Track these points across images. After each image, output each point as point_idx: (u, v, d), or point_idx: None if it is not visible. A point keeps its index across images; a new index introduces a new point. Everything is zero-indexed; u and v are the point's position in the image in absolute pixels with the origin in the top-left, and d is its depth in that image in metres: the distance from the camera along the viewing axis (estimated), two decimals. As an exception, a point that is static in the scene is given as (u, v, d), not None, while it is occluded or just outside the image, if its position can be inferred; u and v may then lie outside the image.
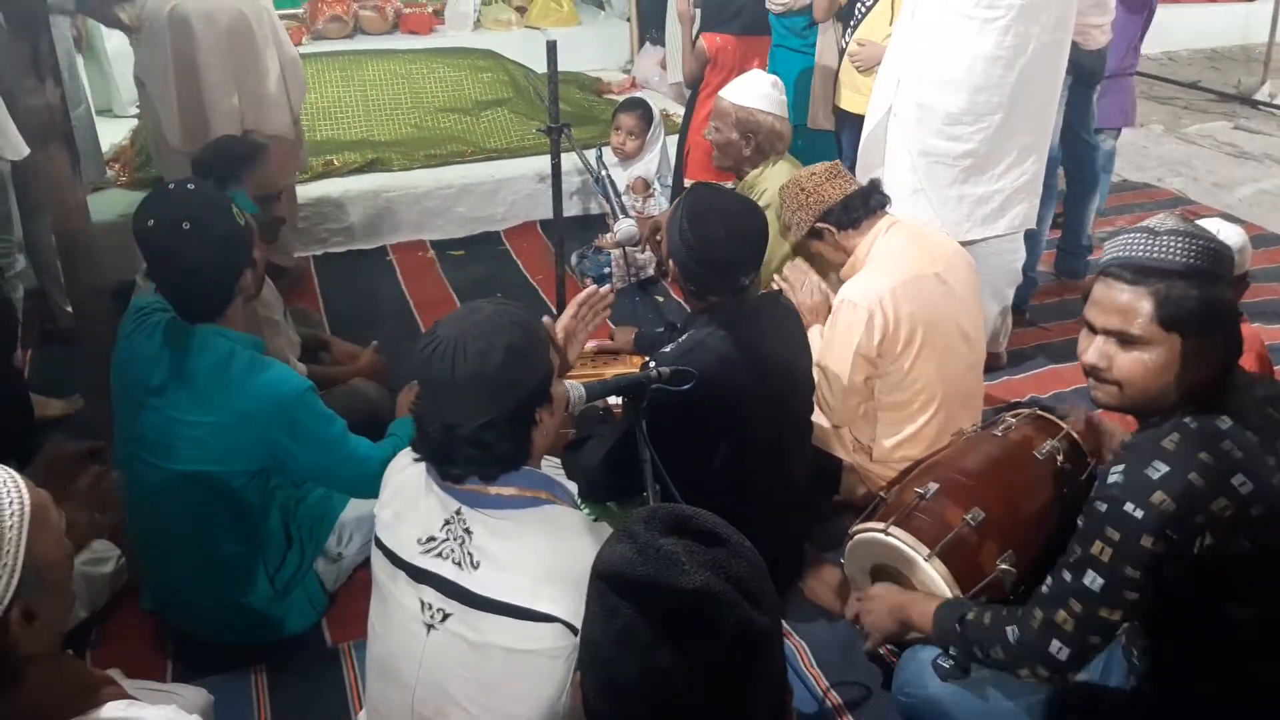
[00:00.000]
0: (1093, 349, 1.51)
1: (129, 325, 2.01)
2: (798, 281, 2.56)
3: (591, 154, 3.83)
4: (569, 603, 1.32)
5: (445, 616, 1.39)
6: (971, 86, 2.82)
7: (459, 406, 1.36)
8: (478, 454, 1.38)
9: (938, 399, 2.32)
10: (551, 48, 2.73)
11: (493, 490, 1.41)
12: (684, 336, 2.02)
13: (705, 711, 0.91)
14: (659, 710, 0.91)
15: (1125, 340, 1.46)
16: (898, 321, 2.23)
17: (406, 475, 1.50)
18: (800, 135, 3.52)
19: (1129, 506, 1.41)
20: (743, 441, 1.99)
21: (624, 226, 2.95)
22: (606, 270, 3.94)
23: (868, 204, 2.38)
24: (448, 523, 1.41)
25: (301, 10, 5.66)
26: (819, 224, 2.37)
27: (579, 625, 1.31)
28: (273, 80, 3.30)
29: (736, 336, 1.97)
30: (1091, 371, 1.52)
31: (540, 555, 1.37)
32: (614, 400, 1.85)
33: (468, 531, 1.39)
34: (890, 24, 3.23)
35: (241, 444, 1.94)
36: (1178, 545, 1.40)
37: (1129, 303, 1.45)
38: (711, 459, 1.96)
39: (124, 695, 1.13)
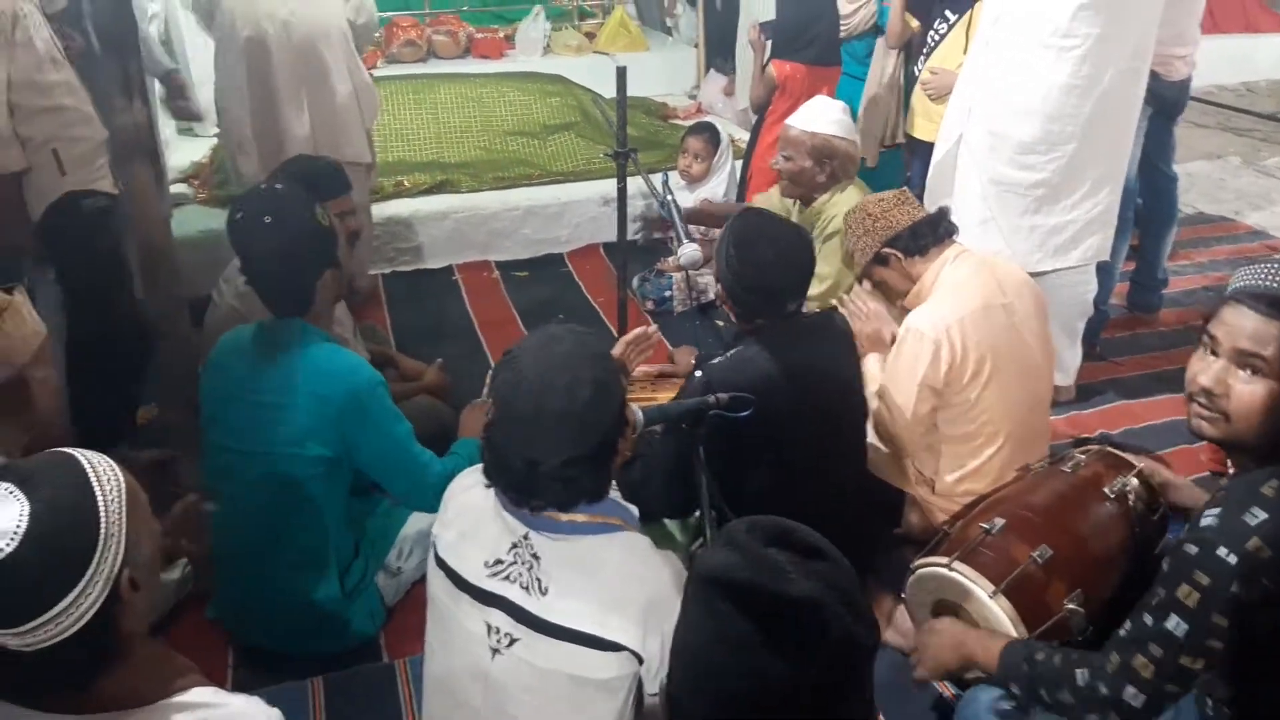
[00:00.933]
0: (1210, 372, 1.45)
1: (226, 337, 2.13)
2: (858, 309, 2.53)
3: (658, 178, 3.84)
4: (637, 630, 1.32)
5: (512, 641, 1.39)
6: (1046, 115, 2.77)
7: (545, 443, 1.35)
8: (561, 488, 1.37)
9: (1004, 433, 2.27)
10: (621, 73, 2.75)
11: (565, 517, 1.40)
12: (732, 352, 2.04)
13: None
14: (759, 717, 0.91)
15: (1251, 368, 1.41)
16: (965, 352, 2.19)
17: (471, 497, 1.50)
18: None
19: (1222, 551, 1.35)
20: (783, 462, 1.97)
21: (688, 250, 2.94)
22: (668, 294, 3.94)
23: (936, 231, 2.35)
24: (515, 546, 1.41)
25: (377, 34, 5.79)
26: (885, 249, 2.34)
27: (644, 653, 1.31)
28: (344, 104, 3.38)
29: (781, 357, 1.98)
30: (1202, 395, 1.46)
31: (611, 582, 1.36)
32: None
33: (535, 557, 1.39)
34: (964, 52, 3.20)
35: (317, 426, 2.01)
36: (1270, 594, 1.34)
37: (1262, 331, 1.39)
38: (752, 479, 1.95)
39: (207, 683, 1.16)
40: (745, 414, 1.68)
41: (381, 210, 4.29)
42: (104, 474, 1.10)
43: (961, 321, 2.19)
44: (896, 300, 2.52)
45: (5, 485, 1.02)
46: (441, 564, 1.47)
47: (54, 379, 1.73)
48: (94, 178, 2.41)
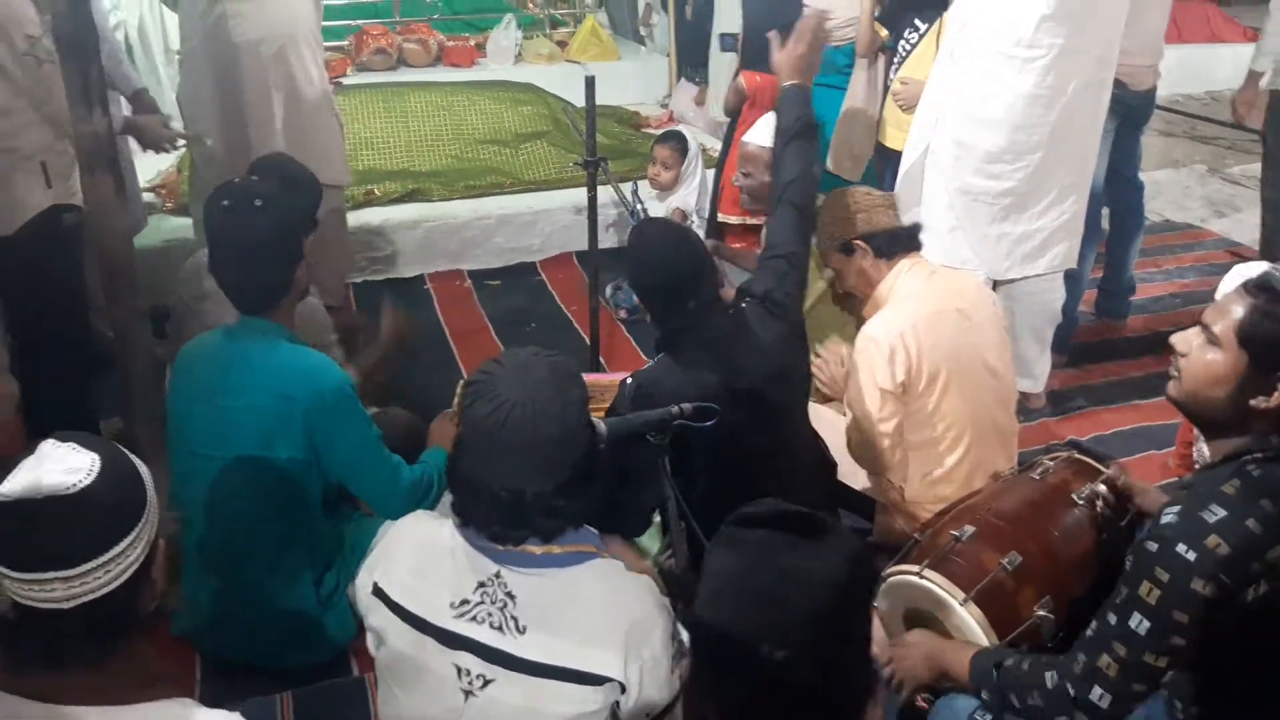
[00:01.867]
0: (1182, 333, 1.54)
1: (191, 342, 2.10)
2: (827, 356, 2.55)
3: (628, 187, 3.84)
4: (618, 659, 1.30)
5: (486, 682, 1.34)
6: (1011, 125, 2.80)
7: (533, 472, 1.31)
8: (549, 518, 1.34)
9: (967, 436, 2.28)
10: (590, 83, 2.75)
11: (540, 550, 1.36)
12: (656, 358, 2.09)
13: (827, 627, 1.02)
14: (784, 623, 1.01)
15: (1207, 335, 1.48)
16: (920, 356, 2.20)
17: (424, 532, 1.45)
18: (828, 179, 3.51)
19: (1181, 548, 1.37)
20: (725, 465, 1.95)
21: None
22: (637, 299, 3.93)
23: (908, 241, 2.36)
24: (483, 585, 1.36)
25: (346, 42, 5.76)
26: (857, 241, 2.34)
27: (626, 681, 1.30)
28: (320, 119, 3.30)
29: (702, 358, 2.00)
30: (1173, 355, 1.56)
31: (590, 613, 1.34)
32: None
33: (510, 595, 1.34)
34: (934, 61, 3.22)
35: (284, 428, 1.99)
36: (1230, 591, 1.36)
37: (1229, 304, 1.47)
38: (697, 485, 1.94)
39: (181, 694, 1.18)
40: (710, 423, 1.68)
41: (352, 219, 4.23)
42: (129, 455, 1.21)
43: (915, 326, 2.21)
44: (844, 297, 2.53)
45: (68, 444, 1.14)
46: (397, 608, 1.40)
47: (12, 390, 1.70)
48: (72, 191, 2.39)
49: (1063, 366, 3.54)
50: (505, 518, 1.34)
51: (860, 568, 1.09)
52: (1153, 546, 1.41)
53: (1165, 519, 1.42)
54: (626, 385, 2.02)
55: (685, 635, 1.39)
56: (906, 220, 2.43)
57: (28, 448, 1.14)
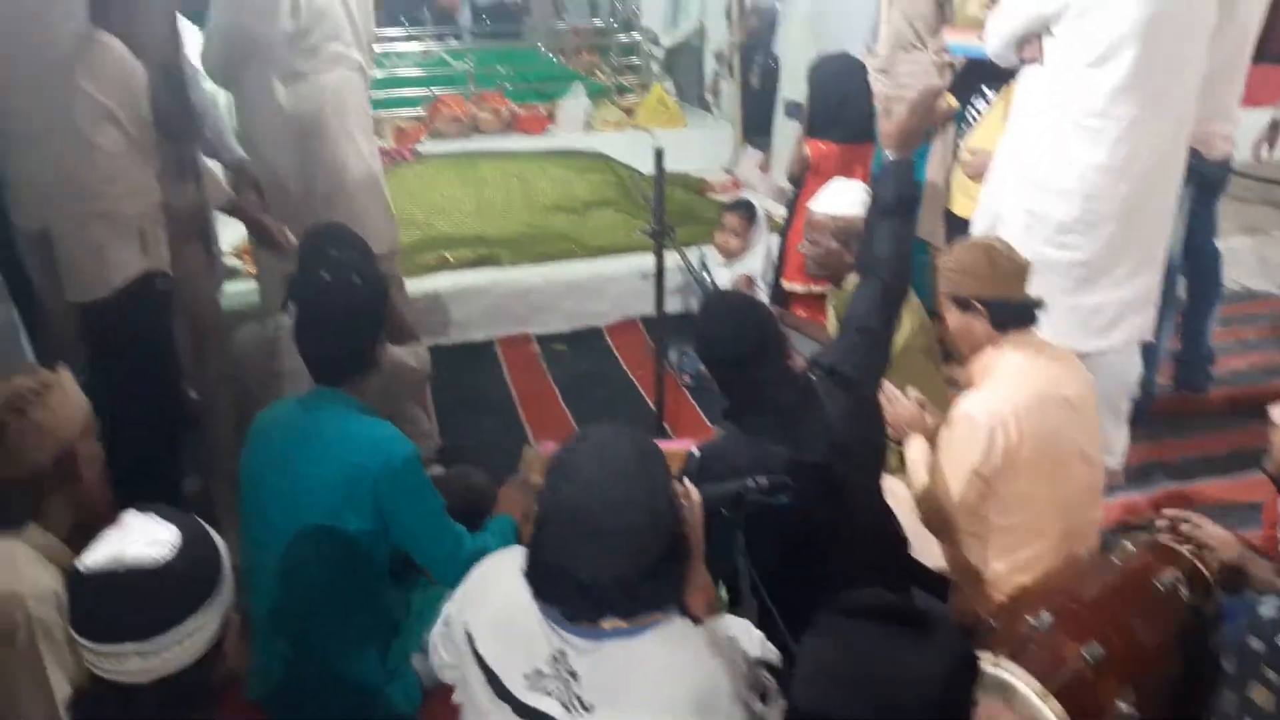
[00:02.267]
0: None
1: (265, 412, 2.15)
2: (890, 394, 2.50)
3: (695, 255, 3.88)
4: None
5: None
6: (1083, 195, 2.77)
7: (621, 557, 1.29)
8: (629, 601, 1.31)
9: (1054, 523, 2.21)
10: (659, 155, 2.80)
11: (606, 624, 1.33)
12: (720, 430, 2.09)
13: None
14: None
15: None
16: (1019, 444, 2.13)
17: (511, 579, 1.42)
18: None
19: None
20: (792, 539, 1.92)
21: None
22: (704, 368, 3.93)
23: (1027, 317, 2.29)
24: (555, 659, 1.35)
25: (422, 111, 5.96)
26: (980, 301, 2.27)
27: None
28: (364, 184, 3.36)
29: (768, 430, 1.99)
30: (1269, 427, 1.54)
31: (656, 685, 1.30)
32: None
33: (572, 674, 1.33)
34: (1002, 131, 3.21)
35: (355, 498, 2.01)
36: None
37: None
38: (766, 560, 1.92)
39: None
40: (783, 499, 1.67)
41: (425, 283, 4.37)
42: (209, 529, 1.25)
43: (1017, 412, 2.14)
44: (945, 346, 2.46)
45: (150, 515, 1.19)
46: (480, 660, 1.42)
47: (99, 454, 1.76)
48: (163, 258, 2.48)
49: (1140, 440, 3.44)
50: (583, 601, 1.32)
51: (967, 667, 1.08)
52: (1258, 646, 1.34)
53: (1267, 613, 1.35)
54: (693, 457, 2.02)
55: (769, 680, 1.38)
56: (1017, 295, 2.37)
57: (112, 510, 1.18)
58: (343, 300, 2.02)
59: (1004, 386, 2.20)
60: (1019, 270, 2.29)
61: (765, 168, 5.78)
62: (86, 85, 2.34)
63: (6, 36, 2.29)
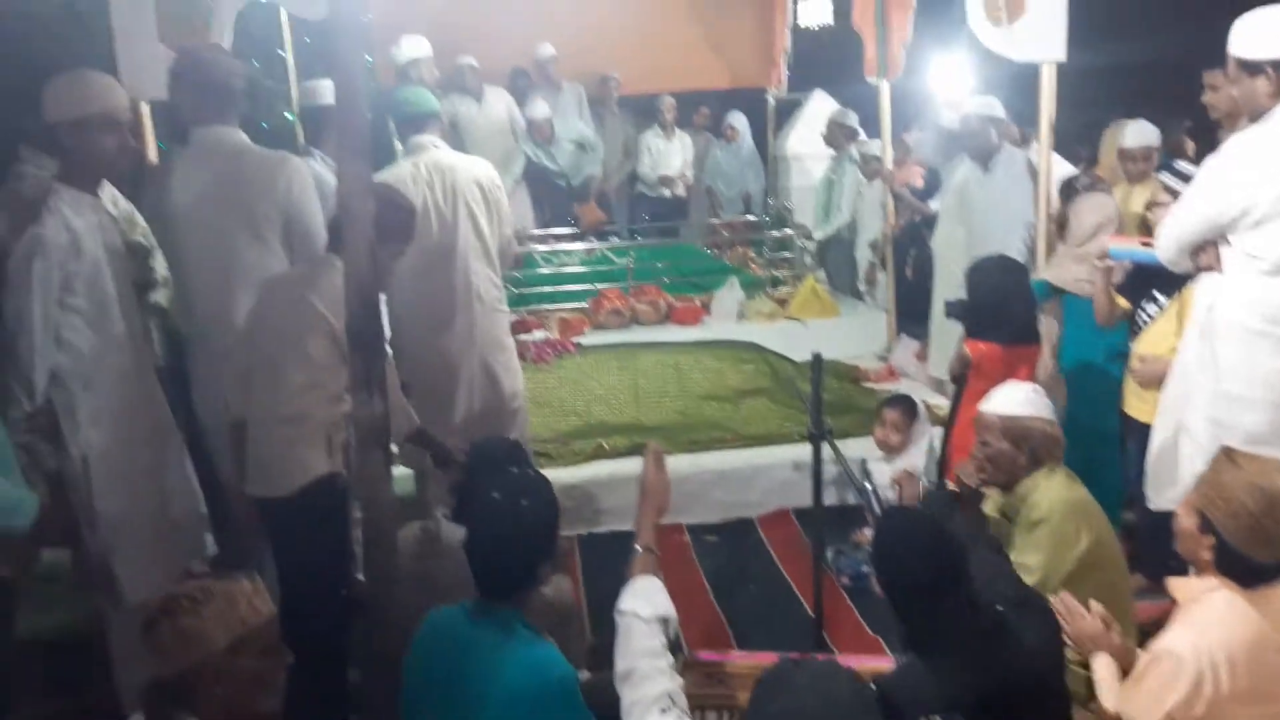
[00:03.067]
0: None
1: (433, 616, 2.21)
2: (1073, 608, 2.34)
3: (853, 453, 3.83)
4: None
5: None
6: (1272, 404, 2.63)
7: None
8: None
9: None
10: (817, 360, 2.83)
11: None
12: (903, 662, 2.01)
13: None
14: None
15: None
16: (1229, 694, 1.94)
17: None
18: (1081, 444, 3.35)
19: None
20: None
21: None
22: (865, 569, 3.82)
23: (1269, 576, 2.07)
24: None
25: (587, 304, 6.26)
26: (1241, 555, 2.04)
27: None
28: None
29: (951, 666, 1.89)
30: None
31: None
32: None
33: None
34: (1175, 335, 3.11)
35: (512, 717, 2.00)
36: None
37: None
38: None
39: None
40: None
41: (580, 472, 4.47)
42: None
43: (1232, 658, 1.95)
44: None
45: None
46: None
47: (260, 669, 1.81)
48: (343, 462, 2.68)
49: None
50: None
51: None
52: None
53: None
54: (868, 691, 1.92)
55: None
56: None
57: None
58: (514, 521, 2.10)
59: (1218, 628, 2.00)
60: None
61: (922, 357, 5.73)
62: (315, 301, 2.62)
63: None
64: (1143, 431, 3.17)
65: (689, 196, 8.61)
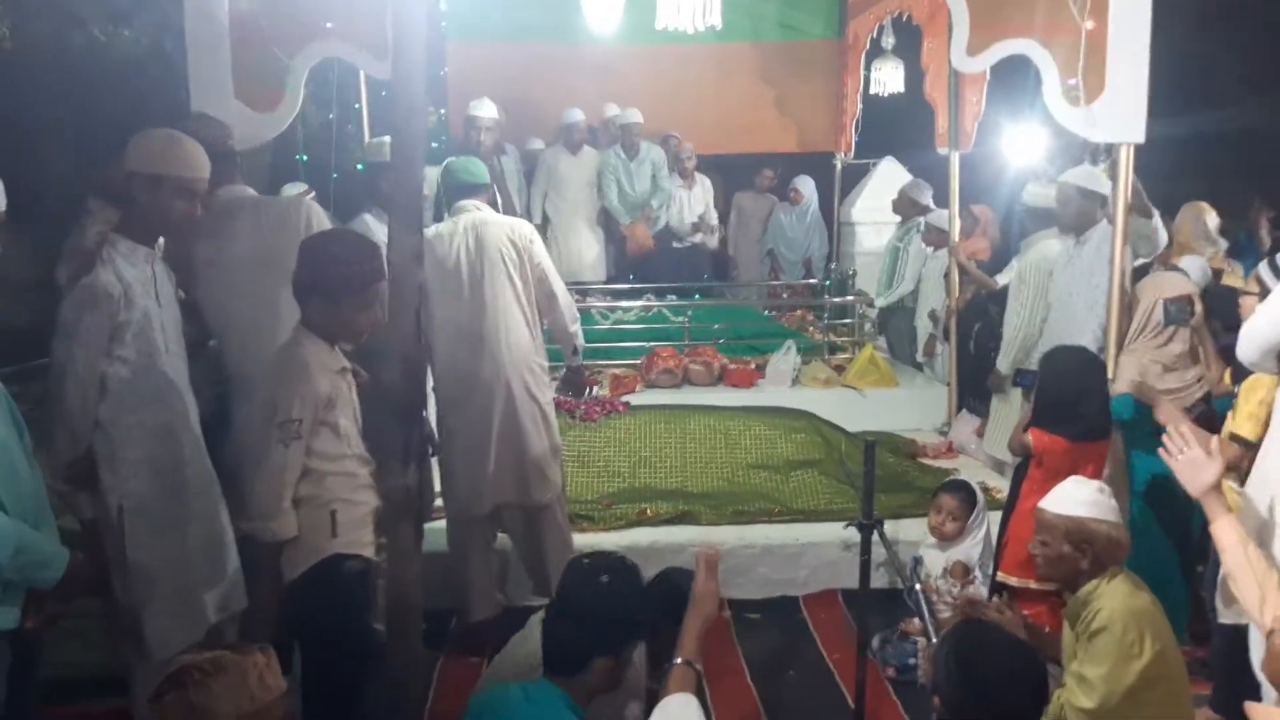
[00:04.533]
0: None
1: (487, 694, 2.21)
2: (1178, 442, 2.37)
3: (909, 557, 3.70)
4: None
5: None
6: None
7: None
8: None
9: None
10: (870, 449, 2.73)
11: None
12: None
13: None
14: None
15: None
16: None
17: None
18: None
19: None
20: None
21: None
22: (912, 660, 3.65)
23: None
24: None
25: (639, 361, 6.20)
26: None
27: None
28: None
29: None
30: None
31: None
32: None
33: None
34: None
35: None
36: None
37: None
38: None
39: None
40: None
41: (625, 537, 4.37)
42: None
43: None
44: None
45: None
46: None
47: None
48: (362, 541, 2.63)
49: None
50: None
51: None
52: None
53: None
54: None
55: None
56: None
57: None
58: (592, 596, 2.12)
59: None
60: None
61: (982, 434, 5.55)
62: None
63: None
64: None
65: (731, 255, 8.69)
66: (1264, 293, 3.12)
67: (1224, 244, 5.55)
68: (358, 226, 3.69)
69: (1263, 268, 3.17)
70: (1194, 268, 4.69)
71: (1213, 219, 5.37)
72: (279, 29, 3.73)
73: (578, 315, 4.03)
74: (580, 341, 4.02)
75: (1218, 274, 5.12)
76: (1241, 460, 3.01)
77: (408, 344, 2.16)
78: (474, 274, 3.69)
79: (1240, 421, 3.23)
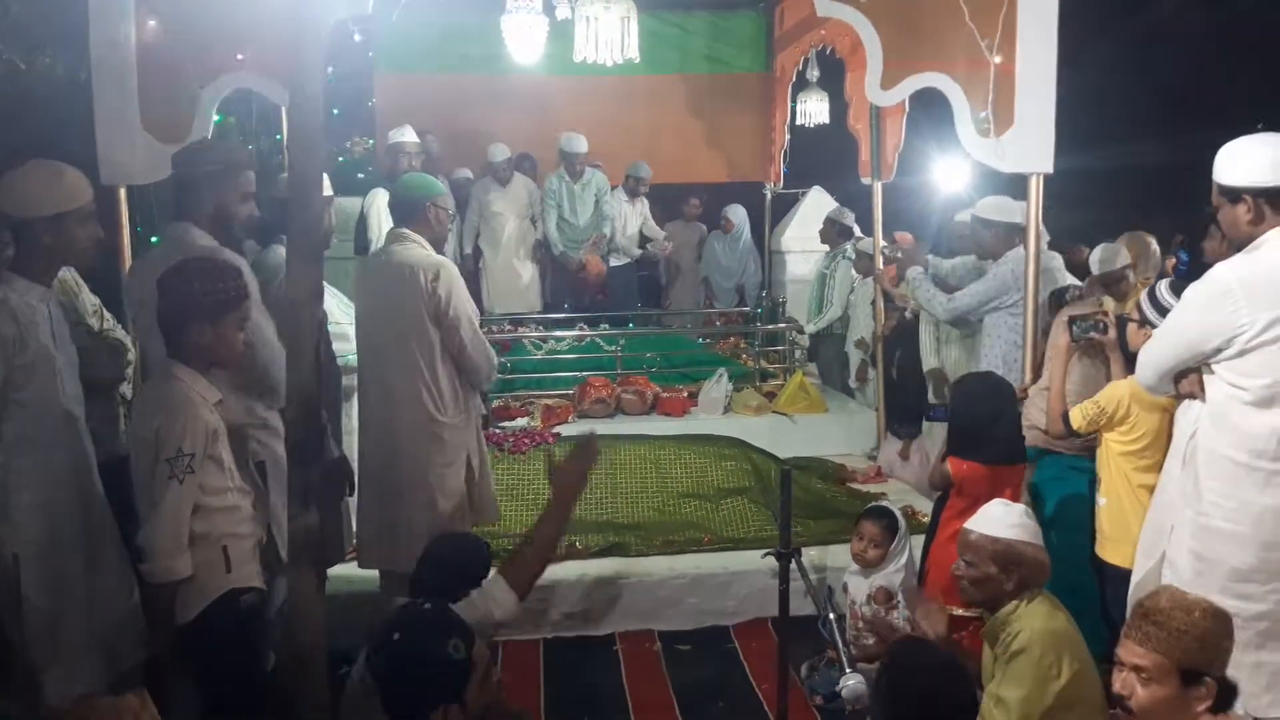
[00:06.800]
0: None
1: None
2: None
3: (826, 586, 3.71)
4: None
5: None
6: (1260, 542, 2.52)
7: None
8: None
9: None
10: (785, 477, 2.73)
11: None
12: None
13: None
14: None
15: None
16: None
17: None
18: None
19: None
20: None
21: (851, 685, 2.72)
22: (838, 688, 3.64)
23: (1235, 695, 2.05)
24: None
25: (572, 391, 6.17)
26: (1211, 680, 2.01)
27: None
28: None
29: None
30: None
31: None
32: None
33: None
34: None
35: None
36: None
37: None
38: None
39: None
40: None
41: (553, 571, 4.25)
42: None
43: None
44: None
45: None
46: None
47: None
48: (253, 574, 2.57)
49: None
50: None
51: None
52: None
53: None
54: None
55: None
56: None
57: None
58: (398, 660, 2.02)
59: None
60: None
61: (906, 456, 5.64)
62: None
63: None
64: (1115, 576, 3.07)
65: (664, 285, 8.87)
66: (1142, 320, 3.20)
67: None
68: (271, 256, 3.57)
69: (1143, 297, 3.26)
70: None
71: (1156, 246, 5.50)
72: (189, 60, 3.67)
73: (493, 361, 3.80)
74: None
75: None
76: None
77: (306, 382, 2.10)
78: (386, 312, 3.52)
79: (1076, 411, 3.40)
